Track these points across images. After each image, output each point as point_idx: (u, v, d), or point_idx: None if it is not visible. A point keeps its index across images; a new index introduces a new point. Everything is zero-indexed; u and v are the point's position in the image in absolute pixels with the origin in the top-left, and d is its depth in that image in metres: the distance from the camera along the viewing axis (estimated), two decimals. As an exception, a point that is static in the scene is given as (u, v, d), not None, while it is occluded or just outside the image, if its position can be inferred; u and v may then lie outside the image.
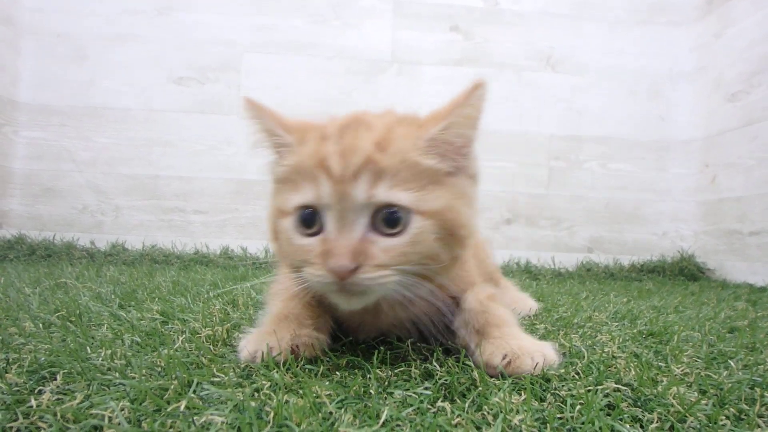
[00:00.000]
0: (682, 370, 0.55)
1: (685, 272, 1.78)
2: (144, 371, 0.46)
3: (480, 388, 0.45)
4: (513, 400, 0.42)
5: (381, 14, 1.93)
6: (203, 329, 0.64)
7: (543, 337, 0.70)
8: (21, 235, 1.72)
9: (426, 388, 0.45)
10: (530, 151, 1.94)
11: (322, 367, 0.50)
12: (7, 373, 0.45)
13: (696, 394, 0.47)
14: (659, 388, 0.47)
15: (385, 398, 0.43)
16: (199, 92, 1.86)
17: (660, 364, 0.58)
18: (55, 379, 0.45)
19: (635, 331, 0.77)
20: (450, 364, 0.52)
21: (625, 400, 0.45)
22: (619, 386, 0.48)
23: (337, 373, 0.48)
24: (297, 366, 0.49)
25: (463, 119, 0.53)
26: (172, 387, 0.42)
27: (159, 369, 0.48)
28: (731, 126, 1.80)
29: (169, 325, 0.68)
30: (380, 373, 0.49)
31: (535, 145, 1.95)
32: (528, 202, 1.94)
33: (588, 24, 1.98)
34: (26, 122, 1.80)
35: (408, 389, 0.45)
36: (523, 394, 0.44)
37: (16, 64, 1.77)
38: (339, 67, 1.90)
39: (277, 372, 0.46)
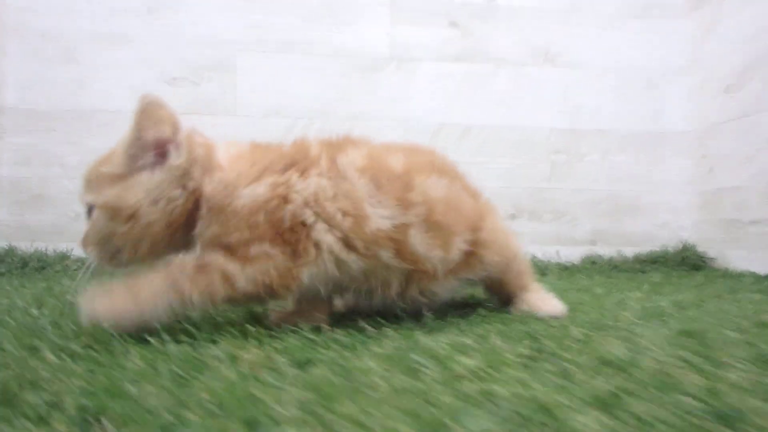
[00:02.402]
0: (738, 376, 0.55)
1: (687, 262, 1.81)
2: (201, 410, 0.43)
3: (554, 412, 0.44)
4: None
5: (378, 10, 1.89)
6: (241, 352, 0.61)
7: (584, 342, 0.69)
8: (11, 247, 1.64)
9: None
10: (531, 145, 1.94)
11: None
12: (49, 420, 0.42)
13: (760, 402, 0.47)
14: (728, 400, 0.47)
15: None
16: (193, 93, 1.79)
17: (712, 369, 0.57)
18: (101, 423, 0.41)
19: (670, 331, 0.76)
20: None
21: (696, 415, 0.44)
22: (689, 398, 0.46)
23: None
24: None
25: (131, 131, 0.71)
26: (236, 427, 0.39)
27: (213, 405, 0.45)
28: (726, 118, 1.82)
29: (201, 349, 0.64)
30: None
31: (535, 139, 1.95)
32: (531, 197, 1.94)
33: (584, 19, 1.98)
34: (12, 127, 1.71)
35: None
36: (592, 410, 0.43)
37: (1, 67, 1.68)
38: (336, 65, 1.86)
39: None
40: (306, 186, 0.70)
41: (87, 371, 0.56)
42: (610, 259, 1.87)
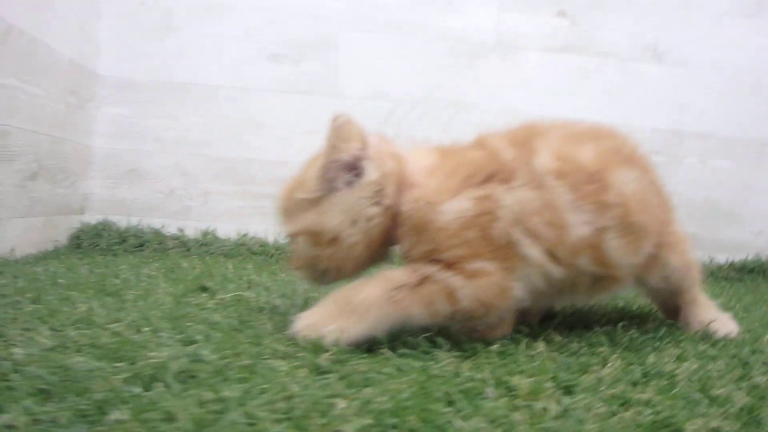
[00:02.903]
0: None
1: (786, 276, 1.76)
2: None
3: None
4: None
5: (486, -6, 1.79)
6: (509, 378, 0.58)
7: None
8: (106, 221, 1.63)
9: None
10: (631, 145, 1.86)
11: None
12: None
13: None
14: None
15: None
16: (293, 71, 1.73)
17: None
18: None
19: None
20: None
21: None
22: None
23: None
24: None
25: (327, 153, 0.68)
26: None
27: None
28: (840, 126, 1.73)
29: (463, 371, 0.61)
30: None
31: (636, 138, 1.86)
32: (625, 199, 1.88)
33: (696, 15, 1.87)
34: (107, 97, 1.67)
35: None
36: None
37: (98, 34, 1.63)
38: (440, 49, 1.78)
39: None
40: (513, 201, 0.68)
41: (347, 388, 0.53)
42: (705, 266, 1.81)
